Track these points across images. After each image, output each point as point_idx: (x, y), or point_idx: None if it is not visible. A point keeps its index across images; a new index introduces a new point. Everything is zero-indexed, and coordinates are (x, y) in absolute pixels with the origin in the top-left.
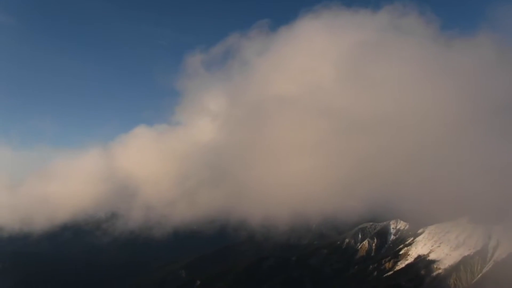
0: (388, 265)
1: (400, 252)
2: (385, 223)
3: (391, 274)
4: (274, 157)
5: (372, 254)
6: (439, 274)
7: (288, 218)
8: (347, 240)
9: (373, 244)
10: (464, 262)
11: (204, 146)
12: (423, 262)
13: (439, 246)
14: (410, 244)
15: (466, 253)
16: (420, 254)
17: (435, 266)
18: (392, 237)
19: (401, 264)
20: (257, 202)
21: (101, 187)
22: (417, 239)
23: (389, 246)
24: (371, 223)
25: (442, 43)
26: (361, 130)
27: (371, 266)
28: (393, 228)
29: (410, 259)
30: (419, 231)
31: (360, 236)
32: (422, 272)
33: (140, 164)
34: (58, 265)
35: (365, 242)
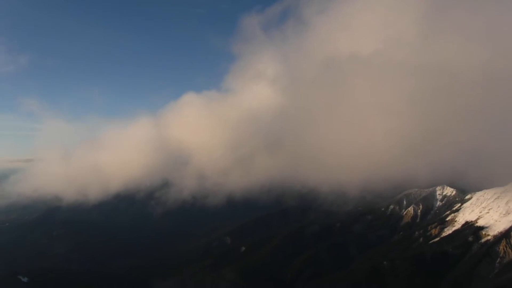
0: (434, 231)
1: (447, 219)
2: (431, 189)
3: (437, 240)
4: (341, 120)
5: (418, 220)
6: (487, 240)
7: (356, 184)
8: (391, 206)
9: (419, 211)
10: None
11: (258, 112)
12: (470, 229)
13: (487, 213)
14: (457, 210)
15: None
16: (468, 220)
17: (483, 233)
18: (438, 203)
19: (448, 231)
20: (317, 169)
21: (153, 156)
22: (465, 205)
23: (435, 212)
24: (416, 189)
25: None
26: (445, 89)
27: (416, 233)
28: (439, 194)
29: (457, 226)
30: (467, 197)
31: (405, 202)
32: (470, 238)
33: (191, 132)
34: (108, 233)
35: (410, 209)
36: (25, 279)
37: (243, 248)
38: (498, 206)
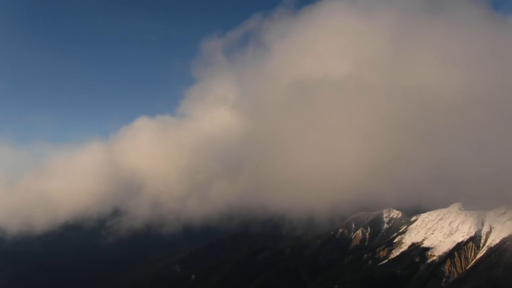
0: (382, 253)
1: (394, 241)
2: (378, 212)
3: (386, 262)
4: (310, 144)
5: (366, 243)
6: (433, 261)
7: (324, 209)
8: (340, 230)
9: (367, 234)
10: (458, 249)
11: (217, 137)
12: (417, 250)
13: (432, 234)
14: (403, 232)
15: (459, 240)
16: (414, 241)
17: (429, 253)
18: (386, 225)
19: (396, 252)
20: (282, 194)
21: (103, 183)
22: (411, 227)
23: (382, 235)
24: (364, 213)
25: (493, 21)
26: (417, 113)
27: (365, 255)
28: (386, 216)
29: (404, 247)
30: (412, 219)
31: (353, 225)
32: (417, 259)
33: (144, 158)
34: (53, 263)
35: (359, 232)
36: None
37: (193, 276)
38: (442, 227)
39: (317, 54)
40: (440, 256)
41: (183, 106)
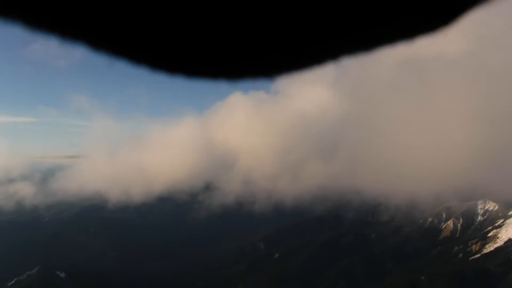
0: (475, 247)
1: (489, 235)
2: (472, 203)
3: (478, 257)
4: (402, 129)
5: (457, 235)
6: None
7: (405, 197)
8: (430, 219)
9: (459, 225)
10: None
11: (312, 117)
12: None
13: None
14: (500, 226)
15: None
16: (511, 237)
17: None
18: (480, 218)
19: (490, 247)
20: (373, 181)
21: (197, 158)
22: (508, 221)
23: (476, 227)
24: (456, 202)
25: None
26: None
27: (456, 248)
28: (480, 208)
29: (499, 242)
30: (510, 212)
31: (444, 215)
32: None
33: (238, 134)
34: (145, 233)
35: (450, 222)
36: (62, 275)
37: (277, 255)
38: None
39: None
40: None
41: (278, 83)
